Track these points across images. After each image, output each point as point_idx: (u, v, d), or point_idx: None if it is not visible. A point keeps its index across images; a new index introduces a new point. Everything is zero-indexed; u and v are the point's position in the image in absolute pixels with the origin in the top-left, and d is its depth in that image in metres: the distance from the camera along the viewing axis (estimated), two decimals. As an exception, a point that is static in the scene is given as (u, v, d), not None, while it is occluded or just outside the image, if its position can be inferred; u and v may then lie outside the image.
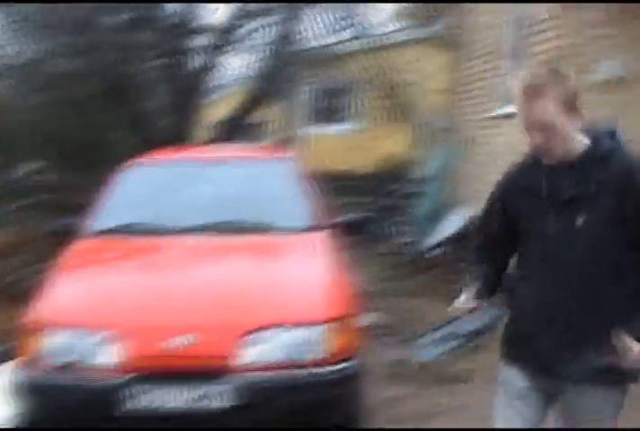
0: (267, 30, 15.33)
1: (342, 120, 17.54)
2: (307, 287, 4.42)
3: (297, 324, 4.06)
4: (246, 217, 5.28)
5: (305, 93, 19.31)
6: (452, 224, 10.54)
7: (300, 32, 15.42)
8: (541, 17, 8.54)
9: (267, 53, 15.24)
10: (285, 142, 19.70)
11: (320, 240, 5.08)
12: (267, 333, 4.02)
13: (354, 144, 14.80)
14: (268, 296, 4.27)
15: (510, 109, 9.45)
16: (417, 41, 16.82)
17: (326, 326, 4.06)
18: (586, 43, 7.90)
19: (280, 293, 4.31)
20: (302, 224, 5.23)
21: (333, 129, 18.05)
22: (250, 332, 4.00)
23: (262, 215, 5.32)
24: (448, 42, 13.43)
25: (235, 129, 16.13)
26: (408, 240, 10.71)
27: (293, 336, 4.03)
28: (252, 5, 14.77)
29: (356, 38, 16.03)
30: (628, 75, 7.90)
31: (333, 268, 4.70)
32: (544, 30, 8.38)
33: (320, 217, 5.38)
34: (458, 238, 9.93)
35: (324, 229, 5.23)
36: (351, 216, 5.52)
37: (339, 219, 5.48)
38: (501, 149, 9.62)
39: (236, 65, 16.57)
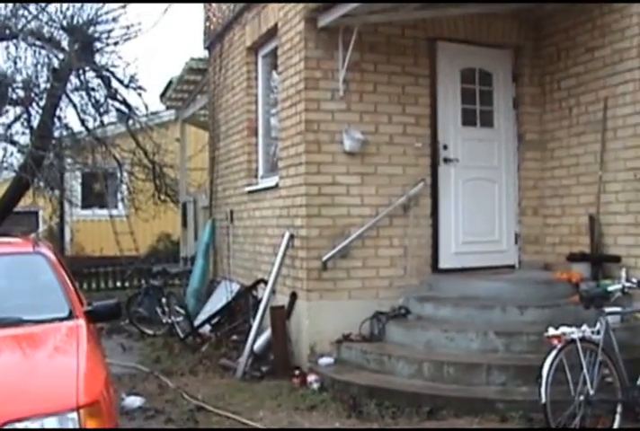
0: (28, 117, 15.27)
1: (111, 204, 17.54)
2: (61, 377, 4.53)
3: (51, 413, 4.18)
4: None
5: (73, 179, 19.23)
6: (218, 299, 10.84)
7: (62, 118, 15.45)
8: (283, 95, 9.14)
9: (30, 141, 15.11)
10: (52, 230, 19.47)
11: (74, 328, 5.23)
12: (22, 424, 4.07)
13: (125, 227, 14.84)
14: (23, 389, 4.34)
15: (265, 183, 9.96)
16: (178, 122, 17.27)
17: (80, 412, 4.20)
18: (326, 118, 8.53)
19: (35, 384, 4.39)
20: (55, 314, 5.38)
21: (102, 214, 18.03)
22: (4, 425, 4.03)
23: (14, 308, 5.47)
24: (207, 121, 13.93)
25: (1, 219, 15.83)
26: (178, 319, 10.87)
27: (48, 424, 4.15)
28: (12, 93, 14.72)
29: (120, 120, 16.23)
30: (365, 146, 8.59)
31: (87, 355, 4.84)
32: (288, 107, 8.95)
33: (74, 306, 5.54)
34: (225, 313, 10.24)
35: (78, 318, 5.40)
36: (103, 303, 5.69)
37: (92, 306, 5.65)
38: (259, 223, 10.08)
39: (-1, 155, 16.25)
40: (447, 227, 9.15)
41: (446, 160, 9.15)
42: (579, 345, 5.77)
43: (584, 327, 5.93)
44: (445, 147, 9.15)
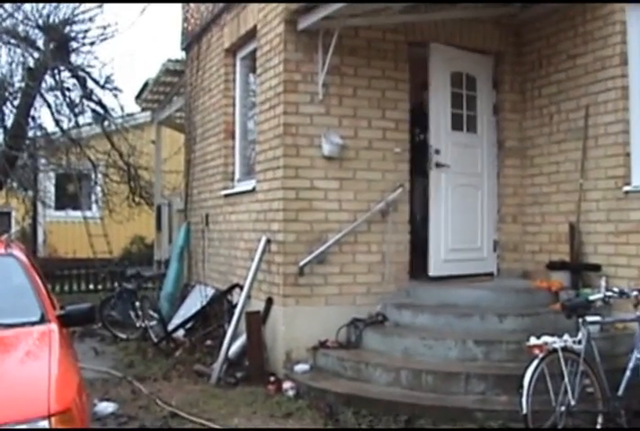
0: (2, 116, 15.05)
1: (85, 206, 17.29)
2: (32, 383, 4.39)
3: (21, 421, 4.05)
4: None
5: (47, 180, 18.99)
6: (193, 303, 10.70)
7: (36, 117, 15.25)
8: (262, 98, 9.03)
9: (3, 141, 14.91)
10: (25, 231, 19.21)
11: (46, 333, 5.10)
12: (-8, 433, 3.99)
13: (99, 229, 14.65)
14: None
15: (242, 187, 9.84)
16: (154, 123, 17.10)
17: (51, 420, 4.07)
18: (304, 121, 8.43)
19: (4, 391, 4.27)
20: (26, 318, 5.24)
21: (76, 215, 17.83)
22: (-27, 434, 3.95)
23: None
24: (183, 124, 13.80)
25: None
26: (152, 323, 10.72)
27: (19, 433, 4.03)
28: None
29: (95, 121, 16.06)
30: (344, 151, 8.50)
31: (60, 360, 4.70)
32: (266, 110, 8.84)
33: (46, 310, 5.41)
34: (199, 317, 10.09)
35: (50, 322, 5.27)
36: (76, 307, 5.56)
37: (65, 310, 5.52)
38: (235, 227, 9.95)
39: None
40: (437, 234, 9.05)
41: (438, 165, 9.03)
42: (561, 354, 5.70)
43: (566, 336, 5.86)
44: (437, 152, 9.03)
